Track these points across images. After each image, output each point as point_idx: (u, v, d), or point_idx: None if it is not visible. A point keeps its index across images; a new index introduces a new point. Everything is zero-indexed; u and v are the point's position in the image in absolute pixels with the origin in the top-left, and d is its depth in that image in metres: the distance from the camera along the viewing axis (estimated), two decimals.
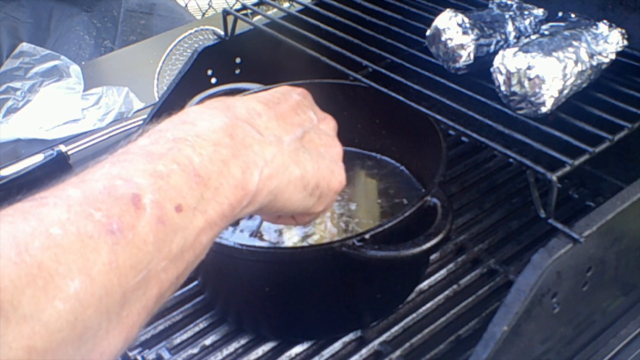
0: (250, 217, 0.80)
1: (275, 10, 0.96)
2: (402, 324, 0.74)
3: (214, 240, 0.45)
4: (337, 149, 0.57)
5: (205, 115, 0.48)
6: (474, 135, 0.64)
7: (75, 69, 1.27)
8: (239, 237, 0.77)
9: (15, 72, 1.29)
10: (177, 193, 0.41)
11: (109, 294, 0.36)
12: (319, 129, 0.57)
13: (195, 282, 0.79)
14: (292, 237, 0.77)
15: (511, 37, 0.73)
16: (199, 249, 0.43)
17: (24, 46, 1.37)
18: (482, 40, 0.71)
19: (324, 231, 0.78)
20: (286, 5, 1.20)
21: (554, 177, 0.57)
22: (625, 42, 0.69)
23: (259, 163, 0.47)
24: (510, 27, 0.73)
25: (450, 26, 0.71)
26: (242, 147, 0.47)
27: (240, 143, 0.47)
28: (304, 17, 0.87)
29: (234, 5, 1.93)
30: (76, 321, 0.34)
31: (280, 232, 0.78)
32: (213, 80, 0.94)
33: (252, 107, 0.51)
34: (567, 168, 0.58)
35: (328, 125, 0.59)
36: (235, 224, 0.79)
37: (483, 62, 0.70)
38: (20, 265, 0.33)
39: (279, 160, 0.49)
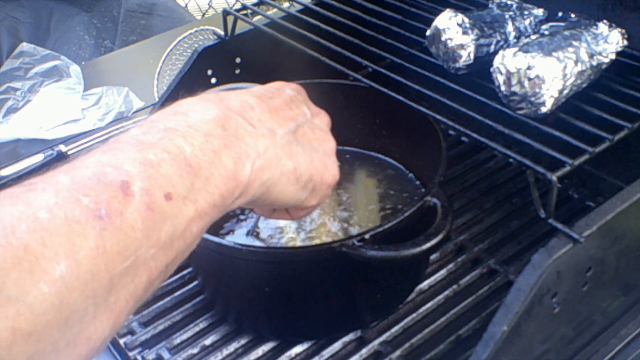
0: (243, 211, 0.80)
1: (275, 10, 0.96)
2: (402, 324, 0.74)
3: (208, 238, 0.45)
4: (330, 144, 0.58)
5: (198, 107, 0.48)
6: (474, 135, 0.64)
7: (75, 69, 1.27)
8: (237, 236, 0.77)
9: (15, 72, 1.29)
10: (167, 181, 0.41)
11: (95, 279, 0.36)
12: (312, 123, 0.57)
13: (195, 282, 0.79)
14: (291, 237, 0.77)
15: (511, 37, 0.73)
16: (189, 238, 0.43)
17: (24, 46, 1.37)
18: (482, 40, 0.71)
19: (324, 231, 0.78)
20: (286, 5, 1.20)
21: (554, 177, 0.57)
22: (625, 42, 0.69)
23: (251, 154, 0.48)
24: (510, 27, 0.73)
25: (450, 26, 0.71)
26: (234, 139, 0.47)
27: (232, 134, 0.47)
28: (304, 17, 0.87)
29: (234, 5, 1.93)
30: (61, 304, 0.34)
31: (278, 231, 0.78)
32: (213, 80, 0.94)
33: (245, 100, 0.51)
34: (567, 168, 0.58)
35: (322, 120, 0.59)
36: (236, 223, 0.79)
37: (483, 62, 0.70)
38: (6, 248, 0.33)
39: (271, 152, 0.50)
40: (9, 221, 0.34)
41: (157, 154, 0.42)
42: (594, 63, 0.66)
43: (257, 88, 0.55)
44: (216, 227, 0.78)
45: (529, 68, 0.63)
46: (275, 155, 0.50)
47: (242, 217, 0.80)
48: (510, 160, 0.95)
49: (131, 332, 0.76)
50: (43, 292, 0.33)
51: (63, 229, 0.35)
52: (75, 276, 0.35)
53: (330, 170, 0.56)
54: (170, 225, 0.41)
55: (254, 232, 0.77)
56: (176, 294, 0.78)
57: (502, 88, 0.65)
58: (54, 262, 0.34)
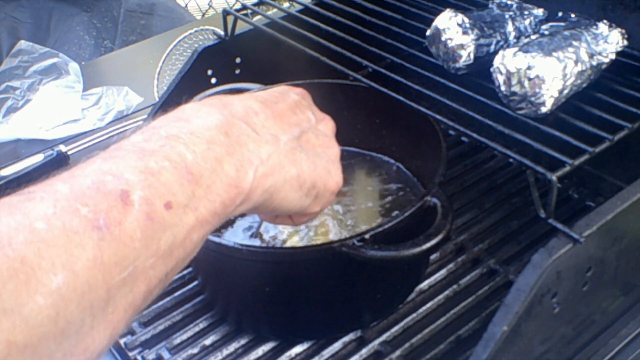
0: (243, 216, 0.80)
1: (275, 10, 0.96)
2: (402, 324, 0.74)
3: (207, 237, 0.44)
4: (334, 150, 0.57)
5: (200, 113, 0.47)
6: (474, 135, 0.64)
7: (74, 66, 1.27)
8: (240, 238, 0.77)
9: (14, 71, 1.28)
10: (168, 190, 0.41)
11: (93, 290, 0.36)
12: (316, 129, 0.56)
13: (195, 282, 0.79)
14: (292, 237, 0.77)
15: (511, 37, 0.73)
16: (189, 247, 0.42)
17: (22, 44, 1.37)
18: (482, 40, 0.71)
19: (324, 231, 0.78)
20: (286, 5, 1.20)
21: (554, 177, 0.57)
22: (625, 42, 0.69)
23: (254, 161, 0.47)
24: (510, 27, 0.73)
25: (450, 26, 0.71)
26: (237, 145, 0.47)
27: (236, 141, 0.47)
28: (304, 17, 0.87)
29: (234, 5, 1.93)
30: (58, 316, 0.34)
31: (280, 233, 0.78)
32: (213, 80, 0.94)
33: (249, 106, 0.51)
34: (567, 168, 0.58)
35: (326, 125, 0.59)
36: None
37: (483, 62, 0.70)
38: (2, 260, 0.33)
39: (274, 159, 0.49)
40: (5, 232, 0.34)
41: (158, 161, 0.41)
42: (594, 63, 0.66)
43: (261, 92, 0.55)
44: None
45: (529, 68, 0.63)
46: (278, 162, 0.50)
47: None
48: (510, 160, 0.95)
49: (131, 332, 0.76)
50: (39, 304, 0.33)
51: (61, 240, 0.35)
52: (72, 288, 0.35)
53: (333, 177, 0.56)
54: (170, 235, 0.40)
55: (257, 235, 0.77)
56: (176, 294, 0.78)
57: (502, 88, 0.65)
58: (50, 274, 0.34)
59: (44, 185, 0.38)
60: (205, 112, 0.48)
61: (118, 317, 0.38)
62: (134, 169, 0.40)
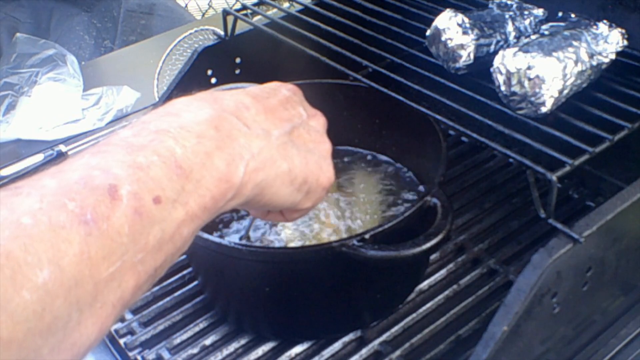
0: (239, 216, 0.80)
1: (275, 10, 0.96)
2: (402, 324, 0.74)
3: (197, 232, 0.44)
4: (326, 146, 0.57)
5: (191, 107, 0.47)
6: (474, 135, 0.64)
7: (71, 58, 1.26)
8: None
9: (11, 67, 1.28)
10: (156, 185, 0.40)
11: (80, 285, 0.35)
12: (308, 125, 0.56)
13: (195, 282, 0.79)
14: (289, 237, 0.77)
15: (511, 37, 0.73)
16: (179, 242, 0.42)
17: (19, 37, 1.35)
18: (482, 40, 0.71)
19: (324, 231, 0.78)
20: (286, 5, 1.20)
21: (554, 177, 0.57)
22: (625, 42, 0.69)
23: (244, 156, 0.47)
24: (510, 27, 0.73)
25: (450, 26, 0.71)
26: (228, 140, 0.46)
27: (226, 135, 0.46)
28: (304, 17, 0.87)
29: (234, 5, 1.93)
30: (44, 312, 0.34)
31: (278, 232, 0.78)
32: (213, 80, 0.94)
33: (240, 100, 0.51)
34: (567, 168, 0.58)
35: (318, 121, 0.58)
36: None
37: (483, 62, 0.70)
38: None
39: (266, 153, 0.49)
40: None
41: (147, 156, 0.41)
42: (594, 63, 0.66)
43: (252, 88, 0.55)
44: (210, 229, 0.79)
45: (529, 68, 0.63)
46: (270, 156, 0.49)
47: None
48: (510, 160, 0.95)
49: (131, 332, 0.76)
50: (25, 299, 0.33)
51: (47, 235, 0.35)
52: (59, 283, 0.34)
53: (325, 172, 0.55)
54: (159, 229, 0.40)
55: (246, 237, 0.77)
56: (176, 294, 0.78)
57: (502, 88, 0.65)
58: (36, 269, 0.33)
59: (32, 180, 0.38)
60: (195, 106, 0.47)
61: (106, 312, 0.38)
62: (123, 164, 0.40)
